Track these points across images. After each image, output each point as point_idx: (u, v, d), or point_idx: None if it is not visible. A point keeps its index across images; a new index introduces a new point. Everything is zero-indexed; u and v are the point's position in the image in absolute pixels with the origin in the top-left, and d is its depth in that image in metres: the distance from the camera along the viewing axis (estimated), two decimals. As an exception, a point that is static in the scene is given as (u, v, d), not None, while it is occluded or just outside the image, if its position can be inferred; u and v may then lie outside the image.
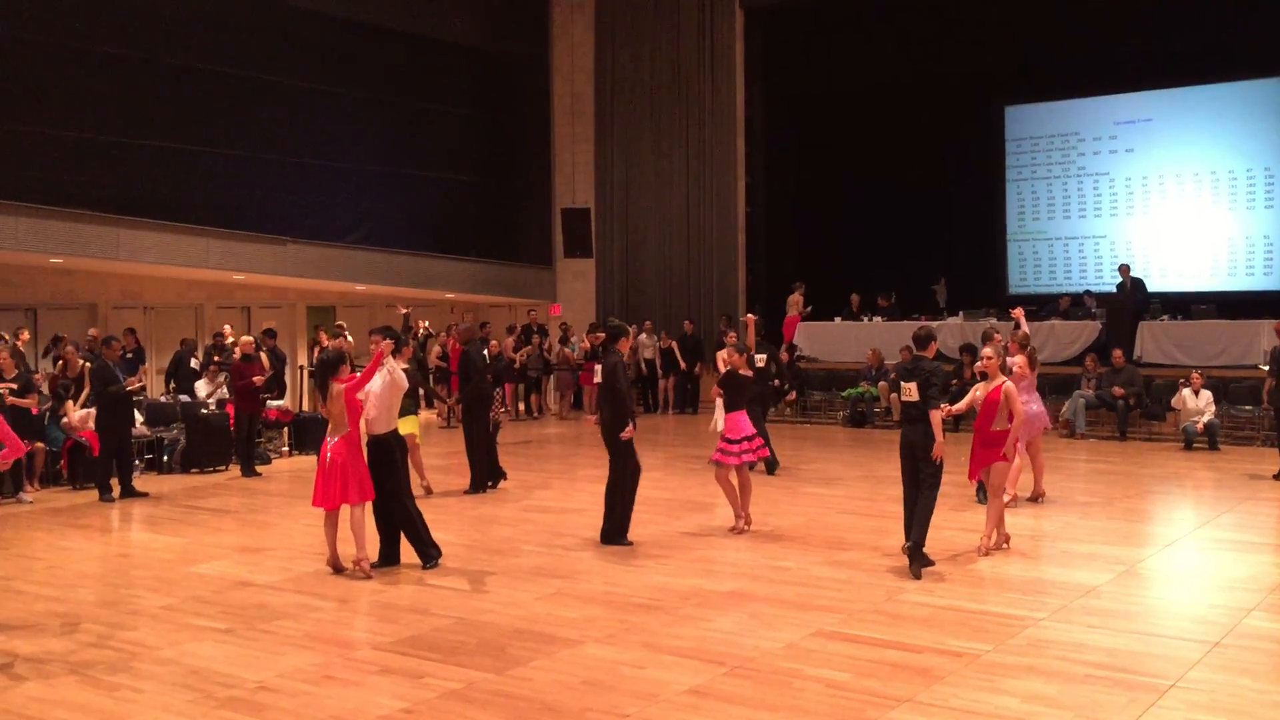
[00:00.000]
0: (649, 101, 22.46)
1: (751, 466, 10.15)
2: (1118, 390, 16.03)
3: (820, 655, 6.46)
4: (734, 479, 9.93)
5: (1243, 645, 6.55)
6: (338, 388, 8.53)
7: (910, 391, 8.51)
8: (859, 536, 9.71)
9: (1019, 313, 11.58)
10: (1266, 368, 13.72)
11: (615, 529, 9.56)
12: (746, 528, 9.96)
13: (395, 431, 8.80)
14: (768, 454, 9.95)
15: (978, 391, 9.04)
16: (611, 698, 5.82)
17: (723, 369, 10.12)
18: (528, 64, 23.45)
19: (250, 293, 20.27)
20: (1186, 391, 15.21)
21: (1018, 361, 10.44)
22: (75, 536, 10.41)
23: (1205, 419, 14.95)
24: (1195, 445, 14.89)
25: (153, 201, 16.90)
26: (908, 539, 8.42)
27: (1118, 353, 16.46)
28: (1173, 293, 18.89)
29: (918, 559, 8.31)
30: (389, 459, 8.69)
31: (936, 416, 8.35)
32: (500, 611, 7.49)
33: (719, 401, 10.13)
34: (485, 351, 13.51)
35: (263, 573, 8.71)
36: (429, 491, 12.02)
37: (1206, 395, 15.11)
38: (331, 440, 8.50)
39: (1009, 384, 8.99)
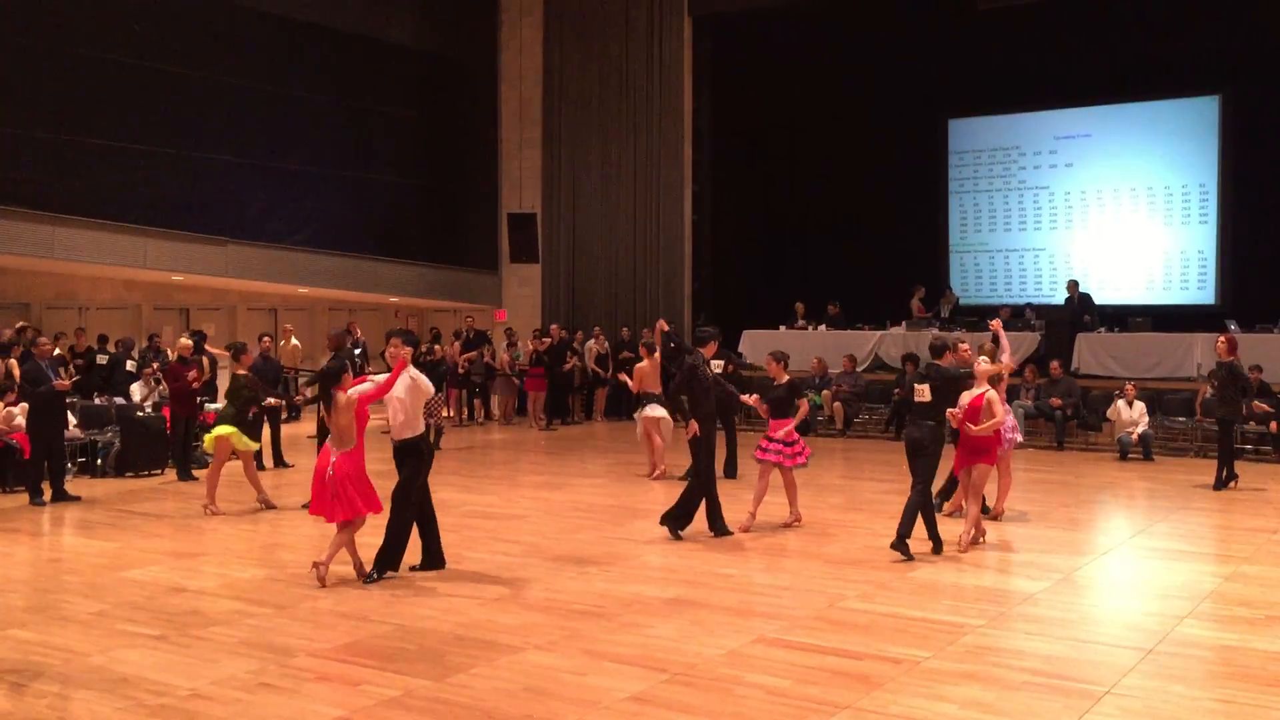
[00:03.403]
0: (597, 108, 22.44)
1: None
2: (1055, 401, 16.27)
3: (761, 662, 6.47)
4: (767, 479, 10.38)
5: (1175, 652, 6.65)
6: (345, 398, 8.26)
7: (924, 393, 9.12)
8: (801, 543, 9.75)
9: (997, 324, 11.62)
10: (1207, 382, 13.96)
11: (674, 516, 9.95)
12: (797, 523, 10.52)
13: (424, 435, 8.66)
14: (802, 461, 10.44)
15: (964, 397, 9.51)
16: (552, 705, 5.78)
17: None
18: (475, 68, 23.34)
19: (189, 294, 19.97)
20: (1121, 403, 15.47)
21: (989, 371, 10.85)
22: (4, 541, 10.15)
23: (1139, 430, 15.21)
24: (1130, 456, 15.14)
25: (89, 200, 16.59)
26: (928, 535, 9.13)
27: (1055, 364, 16.70)
28: (1109, 305, 19.22)
29: (901, 548, 8.90)
30: (419, 462, 8.53)
31: (953, 414, 9.33)
32: (440, 618, 7.41)
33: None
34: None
35: (197, 578, 8.56)
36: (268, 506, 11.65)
37: (1140, 406, 15.38)
38: (335, 453, 8.22)
39: (991, 392, 9.56)
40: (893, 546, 8.93)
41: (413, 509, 8.53)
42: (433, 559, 8.73)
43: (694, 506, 9.97)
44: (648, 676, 6.20)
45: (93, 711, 5.72)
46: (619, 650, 6.70)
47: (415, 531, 8.64)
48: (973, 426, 9.39)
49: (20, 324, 15.92)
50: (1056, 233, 21.40)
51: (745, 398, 10.93)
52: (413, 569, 8.60)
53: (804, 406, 10.65)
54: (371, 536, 8.87)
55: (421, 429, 8.63)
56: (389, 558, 8.49)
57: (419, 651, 6.69)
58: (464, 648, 6.75)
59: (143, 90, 17.49)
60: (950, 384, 9.14)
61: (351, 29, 20.77)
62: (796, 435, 10.37)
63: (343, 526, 8.29)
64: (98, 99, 17.00)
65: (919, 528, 9.09)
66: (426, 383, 8.68)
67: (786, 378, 10.43)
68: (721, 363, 12.76)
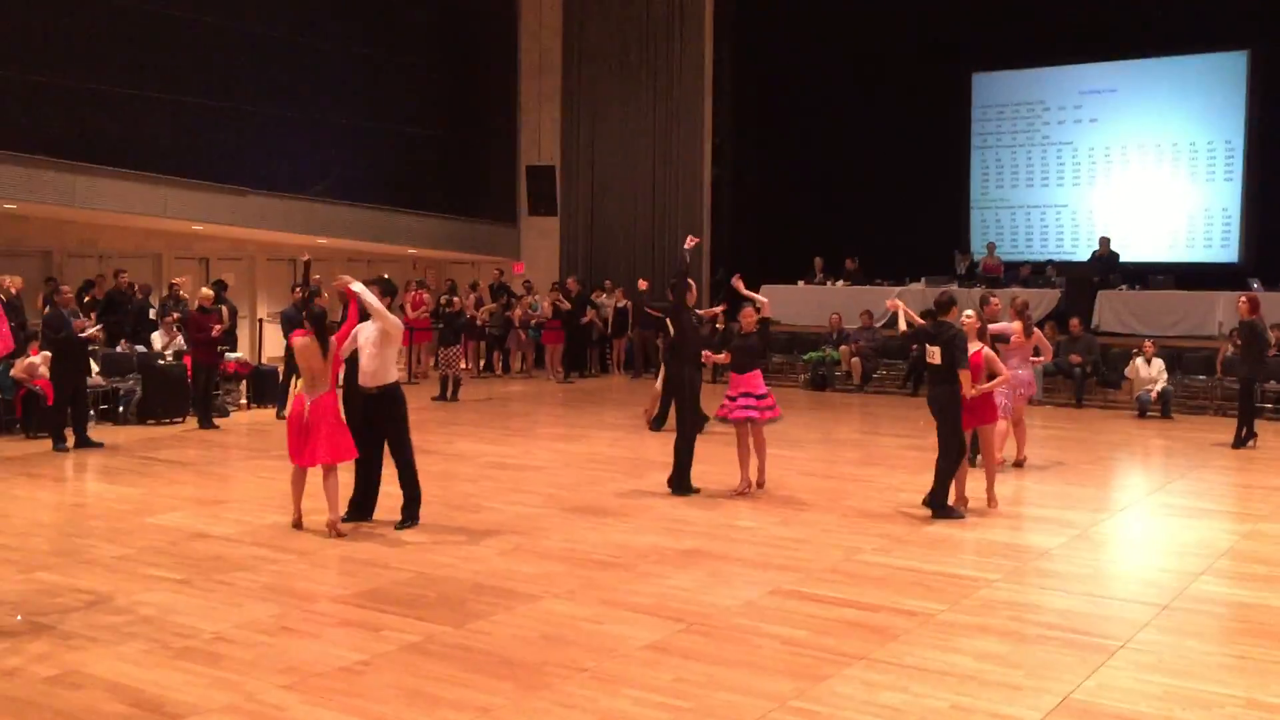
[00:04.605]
0: (617, 60, 22.26)
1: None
2: (1075, 358, 16.20)
3: (777, 613, 6.52)
4: (747, 440, 9.90)
5: (1190, 609, 6.67)
6: (301, 342, 8.41)
7: (935, 355, 8.90)
8: (817, 498, 9.78)
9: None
10: (1229, 340, 13.90)
11: (677, 477, 9.83)
12: (750, 490, 9.90)
13: (398, 383, 8.62)
14: (779, 414, 9.96)
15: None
16: (570, 652, 5.85)
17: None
18: (495, 18, 23.15)
19: (209, 244, 20.00)
20: (1139, 360, 15.40)
21: (1014, 328, 10.81)
22: (28, 485, 10.28)
23: (1158, 387, 15.15)
24: (1149, 413, 15.10)
25: (111, 148, 16.57)
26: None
27: (1075, 321, 16.62)
28: (1132, 263, 19.07)
29: (941, 513, 8.86)
30: (394, 411, 8.52)
31: (965, 375, 8.83)
32: (460, 566, 7.49)
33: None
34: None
35: (220, 525, 8.66)
36: None
37: (1159, 364, 15.31)
38: (310, 397, 8.28)
39: (987, 349, 9.24)
40: (935, 518, 8.83)
41: (411, 453, 8.56)
42: (364, 509, 8.70)
43: (681, 462, 9.86)
44: (664, 626, 6.26)
45: (118, 653, 5.81)
46: (636, 600, 6.76)
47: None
48: (972, 388, 8.96)
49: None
50: (1080, 189, 21.19)
51: (707, 354, 10.22)
52: (344, 518, 8.49)
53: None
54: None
55: (394, 376, 8.55)
56: (413, 507, 8.60)
57: (439, 599, 6.77)
58: (483, 595, 6.82)
59: (166, 39, 17.43)
60: (957, 339, 8.86)
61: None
62: (766, 388, 9.91)
63: (326, 472, 8.30)
64: (120, 48, 16.95)
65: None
66: (396, 325, 8.50)
67: (756, 328, 9.97)
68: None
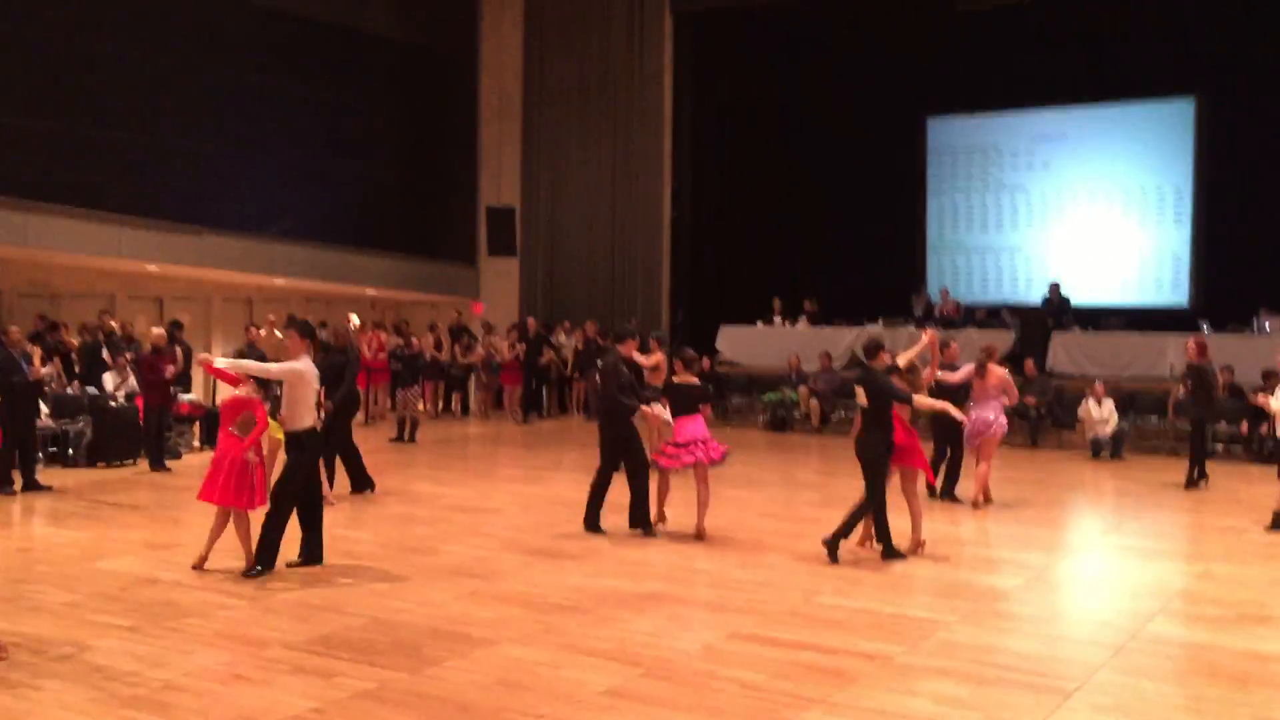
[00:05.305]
0: (577, 103, 22.41)
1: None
2: (1029, 399, 16.37)
3: (736, 657, 6.49)
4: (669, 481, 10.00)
5: (1145, 649, 6.72)
6: (243, 391, 8.59)
7: (861, 395, 8.94)
8: (776, 540, 9.78)
9: (931, 336, 11.33)
10: (1180, 383, 14.11)
11: (636, 516, 9.88)
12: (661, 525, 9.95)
13: (308, 432, 8.55)
14: (720, 456, 9.78)
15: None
16: (527, 698, 5.79)
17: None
18: (455, 60, 23.26)
19: (164, 284, 19.81)
20: (1090, 402, 15.58)
21: (962, 374, 10.96)
22: (-26, 530, 10.08)
23: (1110, 428, 15.33)
24: (1102, 455, 15.26)
25: (64, 188, 16.42)
26: (877, 539, 9.03)
27: (1029, 363, 16.80)
28: (1084, 306, 19.35)
29: (834, 544, 8.79)
30: (289, 455, 8.54)
31: (921, 401, 9.12)
32: (415, 611, 7.40)
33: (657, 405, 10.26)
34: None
35: (171, 569, 8.51)
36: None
37: (1109, 405, 15.49)
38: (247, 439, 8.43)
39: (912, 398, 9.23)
40: (824, 542, 8.80)
41: (289, 502, 8.46)
42: (312, 554, 8.62)
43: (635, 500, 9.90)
44: (623, 670, 6.22)
45: (64, 702, 5.68)
46: (594, 644, 6.71)
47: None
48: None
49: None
50: (1033, 233, 21.52)
51: (645, 408, 10.09)
52: (289, 564, 8.47)
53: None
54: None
55: (307, 423, 8.50)
56: (262, 553, 8.40)
57: (393, 644, 6.68)
58: (439, 640, 6.74)
59: (119, 78, 17.34)
60: (881, 392, 8.84)
61: (330, 19, 20.65)
62: (705, 433, 9.75)
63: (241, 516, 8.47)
64: (75, 87, 16.85)
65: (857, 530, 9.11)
66: (281, 371, 8.50)
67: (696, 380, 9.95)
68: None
